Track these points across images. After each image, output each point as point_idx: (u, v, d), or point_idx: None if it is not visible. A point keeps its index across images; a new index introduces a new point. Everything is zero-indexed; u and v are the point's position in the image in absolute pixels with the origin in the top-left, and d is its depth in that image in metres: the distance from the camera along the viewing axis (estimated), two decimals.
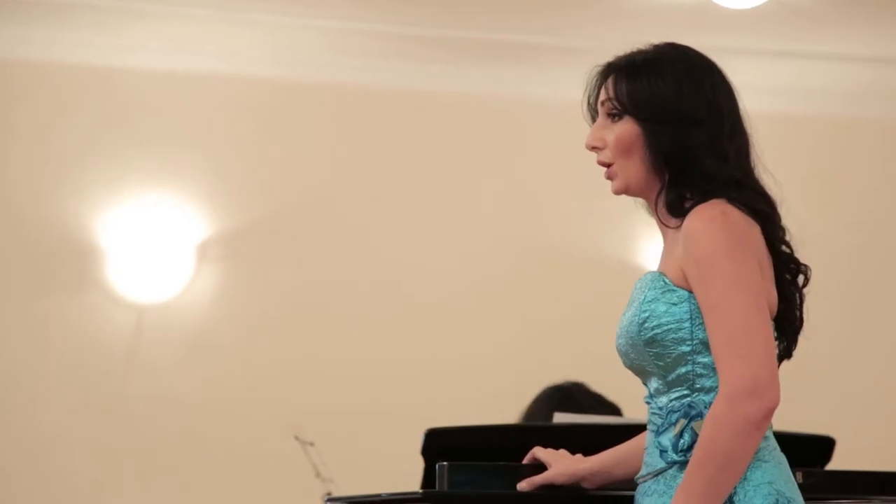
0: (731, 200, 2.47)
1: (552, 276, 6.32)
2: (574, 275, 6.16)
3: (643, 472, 2.53)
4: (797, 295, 2.60)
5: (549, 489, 2.66)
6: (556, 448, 2.71)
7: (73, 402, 6.02)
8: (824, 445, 3.48)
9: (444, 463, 2.75)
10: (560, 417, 3.82)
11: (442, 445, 3.15)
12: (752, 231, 2.48)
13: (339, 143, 6.36)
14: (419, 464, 3.30)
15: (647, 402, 2.54)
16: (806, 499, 2.55)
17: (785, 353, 2.57)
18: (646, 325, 2.46)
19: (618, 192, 2.59)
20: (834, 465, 3.51)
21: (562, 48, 6.14)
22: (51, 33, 6.10)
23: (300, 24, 6.16)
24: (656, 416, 2.49)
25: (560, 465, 2.68)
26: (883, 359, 6.60)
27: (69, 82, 6.16)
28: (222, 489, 6.05)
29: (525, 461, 2.72)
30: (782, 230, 2.60)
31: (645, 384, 2.56)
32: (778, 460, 2.47)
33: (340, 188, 6.34)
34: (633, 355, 2.51)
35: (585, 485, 2.66)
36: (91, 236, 6.11)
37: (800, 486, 2.58)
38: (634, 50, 2.59)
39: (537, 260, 6.32)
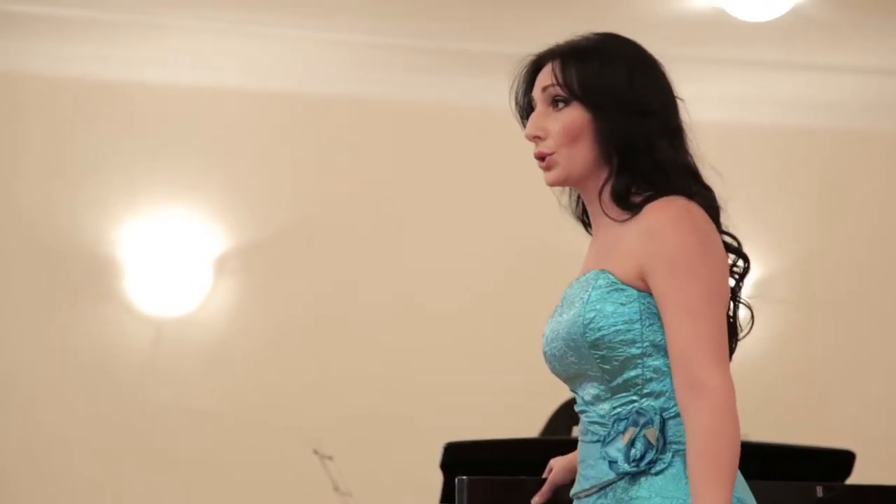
0: (692, 197, 2.35)
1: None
2: None
3: (583, 486, 2.37)
4: (737, 295, 2.43)
5: (557, 492, 2.64)
6: None
7: (92, 415, 6.03)
8: (844, 459, 3.47)
9: (464, 477, 2.75)
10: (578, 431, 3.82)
11: (461, 459, 3.15)
12: (712, 229, 2.35)
13: (355, 157, 6.37)
14: (438, 477, 3.30)
15: (582, 411, 2.39)
16: None
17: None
18: (591, 325, 2.31)
19: (555, 183, 2.44)
20: (854, 479, 3.50)
21: None
22: (69, 48, 6.12)
23: (315, 38, 6.17)
24: (597, 426, 2.35)
25: (557, 464, 2.65)
26: None
27: (87, 96, 6.18)
28: (240, 503, 6.05)
29: (544, 475, 2.71)
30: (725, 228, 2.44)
31: (575, 391, 2.42)
32: None
33: (357, 201, 6.35)
34: (572, 359, 2.36)
35: None
36: (109, 250, 6.13)
37: (820, 500, 2.56)
38: (576, 37, 2.45)
39: (557, 268, 6.31)
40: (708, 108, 6.65)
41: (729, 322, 2.39)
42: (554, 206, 2.57)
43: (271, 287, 6.28)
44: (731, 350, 2.42)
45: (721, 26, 6.00)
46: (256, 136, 6.33)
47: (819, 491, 2.85)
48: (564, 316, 2.38)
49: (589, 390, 2.38)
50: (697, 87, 6.76)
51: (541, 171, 2.48)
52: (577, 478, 2.41)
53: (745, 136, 6.56)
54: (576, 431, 4.31)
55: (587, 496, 2.36)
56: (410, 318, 6.30)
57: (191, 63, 6.22)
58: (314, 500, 5.38)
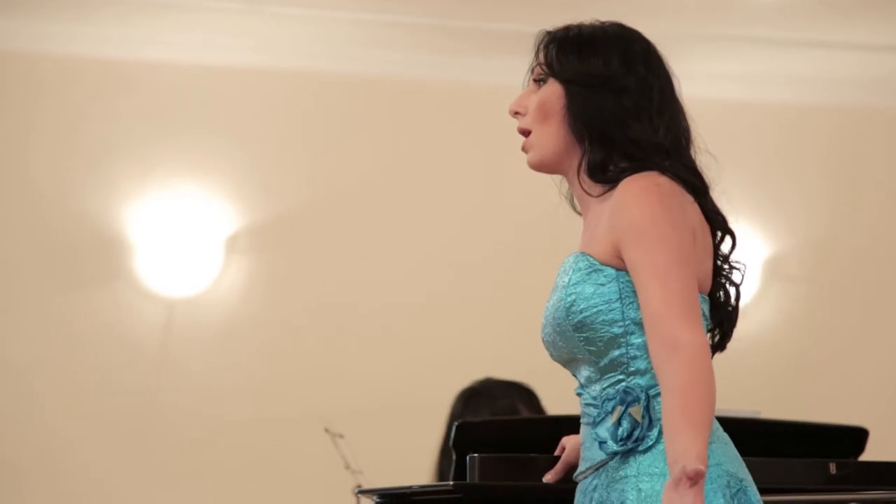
0: (664, 171, 2.37)
1: None
2: None
3: (582, 468, 2.42)
4: (734, 286, 2.46)
5: (569, 471, 2.65)
6: None
7: (102, 397, 6.03)
8: (857, 436, 3.47)
9: (476, 455, 2.76)
10: None
11: (473, 438, 3.15)
12: (685, 201, 2.37)
13: (369, 137, 6.36)
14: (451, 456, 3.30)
15: (579, 394, 2.43)
16: (839, 490, 2.53)
17: (719, 344, 2.45)
18: (573, 308, 2.36)
19: (533, 165, 2.51)
20: (867, 455, 3.50)
21: None
22: (80, 27, 6.12)
23: (328, 17, 6.15)
24: (591, 407, 2.38)
25: (570, 443, 2.66)
26: None
27: (99, 76, 6.18)
28: (252, 482, 6.06)
29: (556, 452, 2.71)
30: (716, 206, 2.46)
31: (574, 375, 2.45)
32: (723, 440, 2.35)
33: (370, 181, 6.34)
34: (561, 343, 2.40)
35: None
36: (120, 230, 6.13)
37: (833, 477, 2.56)
38: (576, 23, 2.53)
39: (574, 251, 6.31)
40: (717, 85, 6.63)
41: (720, 303, 2.42)
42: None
43: (283, 266, 6.28)
44: (728, 335, 2.44)
45: (730, 3, 5.98)
46: (268, 115, 6.33)
47: (832, 468, 2.85)
48: (550, 302, 2.43)
49: (582, 373, 2.41)
50: (706, 64, 6.76)
51: None
52: (580, 460, 2.43)
53: (755, 113, 6.54)
54: None
55: (584, 478, 2.40)
56: (423, 298, 6.30)
57: (203, 42, 6.21)
58: (325, 478, 5.38)
